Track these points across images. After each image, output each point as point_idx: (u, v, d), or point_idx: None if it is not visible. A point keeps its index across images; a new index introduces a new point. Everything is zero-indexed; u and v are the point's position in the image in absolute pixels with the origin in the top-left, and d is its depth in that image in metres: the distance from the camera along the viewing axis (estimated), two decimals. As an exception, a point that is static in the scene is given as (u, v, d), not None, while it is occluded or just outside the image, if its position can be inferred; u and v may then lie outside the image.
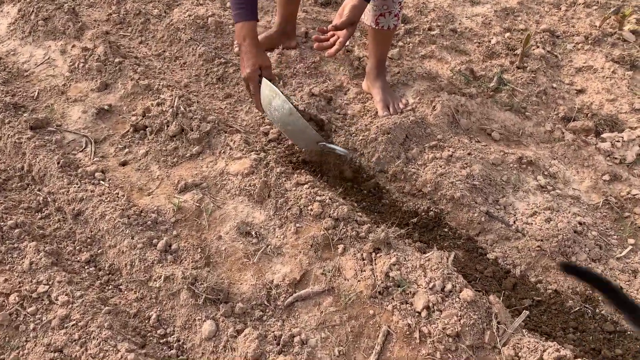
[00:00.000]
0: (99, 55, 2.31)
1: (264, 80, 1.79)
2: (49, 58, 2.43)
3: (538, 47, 2.73)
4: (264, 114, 1.90)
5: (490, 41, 2.72)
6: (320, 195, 1.75)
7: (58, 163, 1.87)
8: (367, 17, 2.16)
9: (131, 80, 2.23)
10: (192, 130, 2.01)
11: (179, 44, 2.60)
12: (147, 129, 2.07)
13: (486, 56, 2.64)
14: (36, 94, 2.25)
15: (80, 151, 2.01)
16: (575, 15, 3.01)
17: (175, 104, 2.06)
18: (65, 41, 2.47)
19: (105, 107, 2.16)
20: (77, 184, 1.82)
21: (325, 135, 1.98)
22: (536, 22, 2.94)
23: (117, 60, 2.30)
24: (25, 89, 2.28)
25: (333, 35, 1.82)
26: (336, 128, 2.17)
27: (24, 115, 2.09)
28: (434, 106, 2.20)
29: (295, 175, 1.85)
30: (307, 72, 2.46)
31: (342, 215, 1.69)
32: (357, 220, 1.70)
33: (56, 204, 1.79)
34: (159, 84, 2.21)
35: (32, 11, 2.57)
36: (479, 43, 2.73)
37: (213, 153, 1.97)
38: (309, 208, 1.73)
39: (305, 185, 1.80)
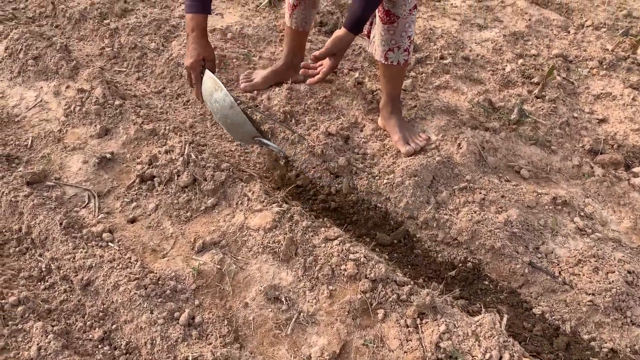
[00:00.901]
0: (97, 98, 2.14)
1: (208, 72, 1.81)
2: (41, 101, 2.25)
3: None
4: (204, 104, 1.94)
5: (504, 69, 2.63)
6: (353, 253, 1.61)
7: (61, 224, 1.70)
8: (376, 51, 2.05)
9: (134, 124, 2.07)
10: (206, 181, 1.86)
11: (180, 80, 2.44)
12: (155, 179, 1.91)
13: (502, 85, 2.54)
14: (30, 142, 2.07)
15: (83, 207, 1.84)
16: (585, 39, 2.94)
17: (185, 152, 1.90)
18: (58, 82, 2.30)
19: (107, 156, 1.99)
20: (83, 247, 1.65)
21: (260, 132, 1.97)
22: (547, 46, 2.86)
23: (117, 102, 2.14)
24: (17, 137, 2.09)
25: (321, 65, 1.89)
26: (357, 170, 2.04)
27: (19, 168, 1.91)
28: (459, 144, 2.09)
29: (323, 229, 1.71)
30: (319, 107, 2.32)
31: (379, 275, 1.55)
32: (397, 281, 1.56)
33: (61, 271, 1.62)
34: (165, 128, 2.05)
35: (21, 49, 2.39)
36: (493, 71, 2.63)
37: (229, 205, 1.82)
38: (342, 268, 1.58)
39: (335, 241, 1.65)
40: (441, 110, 2.31)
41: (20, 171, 1.86)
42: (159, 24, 2.74)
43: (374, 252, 1.71)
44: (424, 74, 2.55)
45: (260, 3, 3.02)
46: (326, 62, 1.91)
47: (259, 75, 2.43)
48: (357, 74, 2.53)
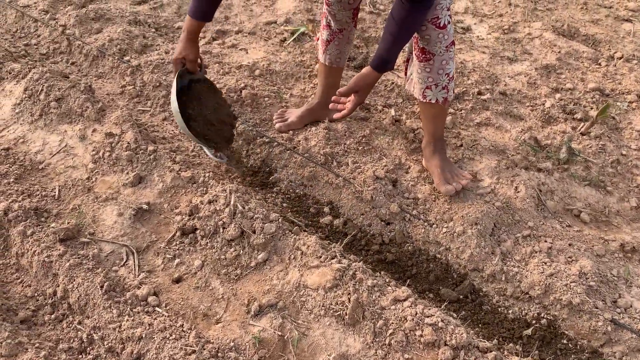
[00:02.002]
0: (129, 143, 2.00)
1: (178, 73, 1.89)
2: (66, 146, 2.10)
3: (592, 108, 2.56)
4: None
5: (543, 104, 2.54)
6: (429, 316, 1.47)
7: (102, 287, 1.54)
8: (415, 89, 1.96)
9: (170, 171, 1.93)
10: (255, 233, 1.72)
11: (210, 121, 2.31)
12: (197, 231, 1.77)
13: (544, 121, 2.45)
14: (57, 192, 1.91)
15: (122, 265, 1.69)
16: (618, 71, 2.88)
17: (232, 202, 1.76)
18: (83, 125, 2.15)
19: (144, 207, 1.84)
20: (128, 314, 1.49)
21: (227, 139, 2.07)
22: (581, 79, 2.79)
23: (150, 147, 2.00)
24: (43, 186, 1.94)
25: (348, 101, 1.84)
26: (410, 217, 1.92)
27: (50, 223, 1.75)
28: (516, 187, 1.98)
29: (390, 288, 1.57)
30: (359, 148, 2.21)
31: (461, 342, 1.41)
32: (479, 347, 1.43)
33: (106, 342, 1.46)
34: (204, 175, 1.92)
35: (41, 90, 2.25)
36: (532, 107, 2.55)
37: (282, 260, 1.68)
38: (418, 334, 1.44)
39: (406, 302, 1.52)
40: (489, 150, 2.21)
41: (52, 227, 1.70)
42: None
43: (447, 314, 1.57)
44: (463, 111, 2.45)
45: (285, 38, 2.92)
46: (351, 99, 1.84)
47: (293, 114, 2.32)
48: (393, 111, 2.43)
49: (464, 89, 2.58)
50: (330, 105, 1.99)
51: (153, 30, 2.94)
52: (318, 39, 2.80)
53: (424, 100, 1.94)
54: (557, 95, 2.62)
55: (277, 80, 2.61)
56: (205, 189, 1.89)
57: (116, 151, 2.01)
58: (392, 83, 2.62)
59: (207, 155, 2.02)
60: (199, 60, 1.95)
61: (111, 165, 1.99)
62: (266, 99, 2.43)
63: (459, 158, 2.17)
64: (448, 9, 1.77)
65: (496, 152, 2.20)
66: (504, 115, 2.47)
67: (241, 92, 2.41)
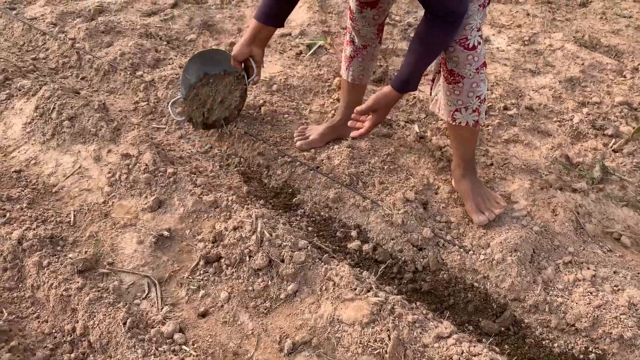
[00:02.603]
0: (147, 165, 1.91)
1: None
2: (80, 167, 2.01)
3: (622, 123, 2.48)
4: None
5: (571, 119, 2.46)
6: (475, 355, 1.38)
7: (124, 324, 1.44)
8: (442, 111, 1.87)
9: (191, 194, 1.84)
10: (283, 262, 1.62)
11: (230, 139, 2.23)
12: (222, 260, 1.68)
13: (573, 137, 2.37)
14: (72, 217, 1.82)
15: (144, 298, 1.59)
16: (644, 83, 2.80)
17: (258, 229, 1.67)
18: (98, 145, 2.06)
19: (165, 233, 1.75)
20: (154, 354, 1.40)
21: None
22: (607, 93, 2.71)
23: (169, 170, 1.91)
24: (57, 211, 1.85)
25: (367, 119, 1.77)
26: (445, 242, 1.83)
27: (67, 253, 1.66)
28: (554, 210, 1.89)
29: (432, 323, 1.48)
30: (385, 167, 2.12)
31: (513, 383, 1.32)
32: (532, 389, 1.34)
33: (131, 386, 1.36)
34: (227, 199, 1.83)
35: (53, 108, 2.16)
36: (560, 122, 2.46)
37: (313, 291, 1.59)
38: (465, 374, 1.35)
39: (450, 340, 1.42)
40: (521, 169, 2.12)
41: (70, 258, 1.61)
42: (198, 76, 2.54)
43: (493, 350, 1.47)
44: (489, 127, 2.36)
45: (301, 51, 2.84)
46: (370, 117, 1.76)
47: (314, 131, 2.23)
48: (416, 127, 2.35)
49: (490, 104, 2.50)
50: (349, 123, 1.89)
51: (165, 43, 2.86)
52: (334, 52, 2.72)
53: (453, 123, 1.86)
54: (585, 110, 2.53)
55: (295, 95, 2.53)
56: (228, 213, 1.80)
57: (133, 173, 1.91)
58: (414, 98, 2.53)
59: (171, 108, 2.25)
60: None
61: (128, 188, 1.90)
62: (285, 115, 2.34)
63: (490, 178, 2.08)
64: (479, 29, 1.68)
65: (528, 171, 2.12)
66: (531, 131, 2.38)
67: (260, 108, 2.32)
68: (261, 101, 2.35)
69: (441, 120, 2.34)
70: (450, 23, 1.55)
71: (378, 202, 1.94)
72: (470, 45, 1.67)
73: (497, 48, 3.05)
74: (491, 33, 3.20)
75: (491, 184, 2.06)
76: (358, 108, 1.76)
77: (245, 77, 2.12)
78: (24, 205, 1.83)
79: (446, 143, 2.24)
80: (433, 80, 1.96)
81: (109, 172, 1.94)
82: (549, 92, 2.67)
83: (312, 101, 2.52)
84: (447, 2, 1.49)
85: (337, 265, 1.63)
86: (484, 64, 1.73)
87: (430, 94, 2.00)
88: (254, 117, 2.28)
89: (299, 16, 3.15)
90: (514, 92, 2.62)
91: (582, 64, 2.89)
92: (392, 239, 1.85)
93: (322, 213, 1.98)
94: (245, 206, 1.81)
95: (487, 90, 2.62)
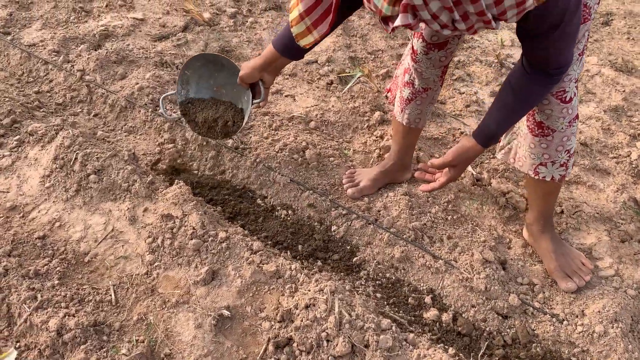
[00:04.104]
0: (194, 228, 1.68)
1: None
2: (113, 230, 1.76)
3: (677, 157, 2.36)
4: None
5: (629, 155, 2.33)
6: None
7: None
8: (524, 163, 1.70)
9: (248, 263, 1.62)
10: (368, 348, 1.42)
11: (273, 187, 2.01)
12: (293, 344, 1.47)
13: (634, 176, 2.23)
14: (112, 294, 1.58)
15: (212, 398, 1.37)
16: (689, 112, 2.70)
17: (336, 309, 1.47)
18: (132, 203, 1.82)
19: (225, 313, 1.52)
20: None
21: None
22: (654, 123, 2.59)
23: (221, 234, 1.68)
24: (94, 287, 1.60)
25: (440, 173, 1.63)
26: (533, 310, 1.66)
27: (116, 343, 1.42)
28: (644, 269, 1.75)
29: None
30: (447, 217, 1.94)
31: None
32: None
33: None
34: (291, 268, 1.62)
35: (75, 159, 1.90)
36: (616, 158, 2.32)
37: (405, 381, 1.39)
38: None
39: None
40: (594, 218, 1.97)
41: (124, 355, 1.37)
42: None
43: None
44: (547, 167, 2.21)
45: (332, 81, 2.63)
46: (445, 172, 1.60)
47: (365, 176, 2.04)
48: (471, 169, 2.17)
49: (543, 140, 2.35)
50: (417, 174, 1.78)
51: (183, 73, 2.61)
52: (372, 86, 2.53)
53: (536, 177, 1.69)
54: (639, 144, 2.41)
55: (333, 132, 2.33)
56: (293, 285, 1.59)
57: (179, 238, 1.68)
58: (462, 132, 2.37)
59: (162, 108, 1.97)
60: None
61: (174, 256, 1.66)
62: (331, 158, 2.14)
63: (563, 228, 1.92)
64: (576, 81, 1.52)
65: (601, 219, 1.97)
66: (591, 170, 2.24)
67: (304, 152, 2.11)
68: (304, 143, 2.14)
69: (516, 170, 2.16)
70: (556, 78, 1.37)
71: (452, 263, 1.76)
72: (567, 98, 1.51)
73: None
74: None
75: (565, 235, 1.90)
76: (434, 161, 1.59)
77: (251, 99, 1.85)
78: (55, 281, 1.58)
79: (509, 188, 2.08)
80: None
81: (149, 237, 1.71)
82: (597, 123, 2.54)
83: (352, 139, 2.32)
84: (562, 59, 1.32)
85: (429, 349, 1.44)
86: (577, 117, 1.57)
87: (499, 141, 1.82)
88: (299, 162, 2.07)
89: (323, 41, 2.94)
90: (563, 125, 2.48)
91: (623, 91, 2.77)
92: (473, 307, 1.68)
93: (387, 275, 1.79)
94: (313, 277, 1.59)
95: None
